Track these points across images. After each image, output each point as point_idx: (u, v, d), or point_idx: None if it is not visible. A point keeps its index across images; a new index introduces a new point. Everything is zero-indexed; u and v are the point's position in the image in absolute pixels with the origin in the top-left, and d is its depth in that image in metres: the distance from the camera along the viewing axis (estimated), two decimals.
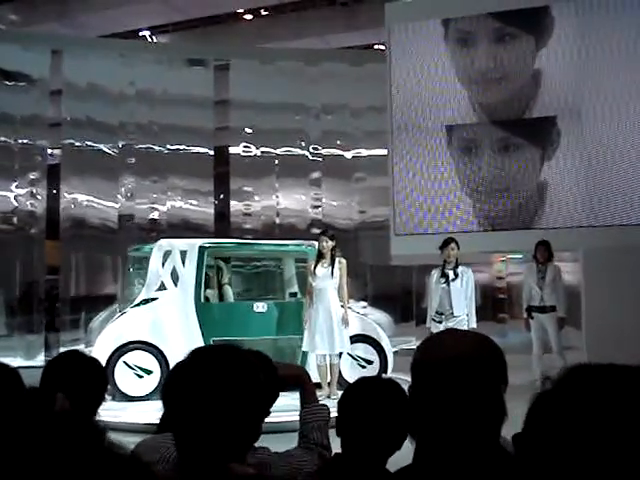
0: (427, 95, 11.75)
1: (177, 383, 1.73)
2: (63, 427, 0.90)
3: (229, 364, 1.73)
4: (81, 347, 11.52)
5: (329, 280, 9.09)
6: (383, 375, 8.93)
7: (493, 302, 13.68)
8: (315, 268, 9.15)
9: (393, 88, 11.99)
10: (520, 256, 12.25)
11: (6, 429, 0.89)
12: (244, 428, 1.71)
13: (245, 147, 14.32)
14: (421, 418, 1.57)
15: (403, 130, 11.87)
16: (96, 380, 2.66)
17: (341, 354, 9.30)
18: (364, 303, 13.72)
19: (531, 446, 1.12)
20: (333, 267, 9.10)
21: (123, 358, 9.22)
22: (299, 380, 2.65)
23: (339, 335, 9.04)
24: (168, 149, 13.92)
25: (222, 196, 14.77)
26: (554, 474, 1.07)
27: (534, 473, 1.11)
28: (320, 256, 9.22)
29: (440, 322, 8.92)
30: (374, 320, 11.11)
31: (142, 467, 0.91)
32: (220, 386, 1.68)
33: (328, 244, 9.14)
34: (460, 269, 9.04)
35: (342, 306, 9.20)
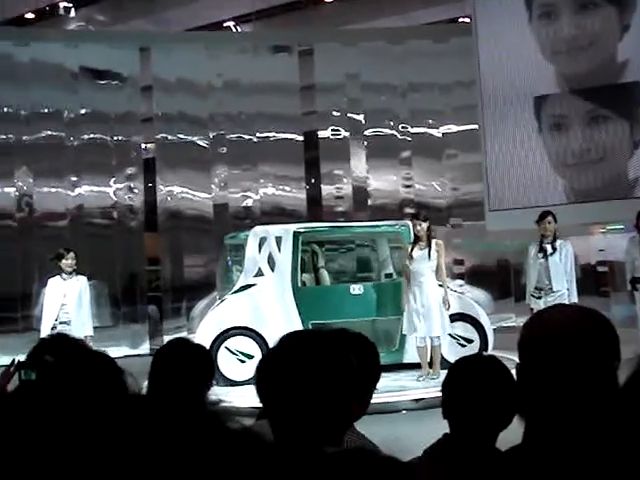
0: (515, 67, 11.48)
1: (268, 370, 1.76)
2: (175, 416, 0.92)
3: (318, 348, 1.74)
4: (184, 334, 11.83)
5: (426, 262, 8.99)
6: (484, 353, 8.85)
7: (594, 275, 13.30)
8: (412, 251, 9.08)
9: (481, 61, 11.76)
10: (621, 227, 11.85)
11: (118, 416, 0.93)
12: (337, 411, 1.72)
13: (334, 130, 14.34)
14: (530, 396, 1.54)
15: (492, 104, 11.65)
16: (204, 366, 2.73)
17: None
18: (461, 281, 13.58)
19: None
20: (430, 249, 9.02)
21: (225, 344, 9.42)
22: None
23: (439, 318, 8.93)
24: (258, 137, 14.08)
25: (313, 181, 14.84)
26: None
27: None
28: (416, 239, 9.14)
29: (539, 298, 8.73)
30: (472, 298, 11.00)
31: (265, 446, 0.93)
32: (310, 370, 1.69)
33: (422, 226, 9.04)
34: (558, 243, 8.82)
35: (441, 286, 9.10)
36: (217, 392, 7.97)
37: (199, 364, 2.70)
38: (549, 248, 8.79)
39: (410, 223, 10.63)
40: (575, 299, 8.63)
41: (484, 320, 9.91)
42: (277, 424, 1.74)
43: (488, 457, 1.97)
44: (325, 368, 1.71)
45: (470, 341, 9.78)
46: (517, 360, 1.59)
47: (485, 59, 11.74)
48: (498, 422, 2.19)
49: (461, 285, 13.21)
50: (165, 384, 2.12)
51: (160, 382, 2.51)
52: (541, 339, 1.55)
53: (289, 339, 1.81)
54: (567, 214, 10.21)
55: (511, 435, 1.93)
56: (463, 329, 9.84)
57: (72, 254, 8.50)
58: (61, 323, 8.27)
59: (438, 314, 8.91)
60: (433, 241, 9.09)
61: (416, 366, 9.02)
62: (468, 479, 1.07)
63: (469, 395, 2.19)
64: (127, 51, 13.68)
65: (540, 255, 8.85)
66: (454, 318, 9.73)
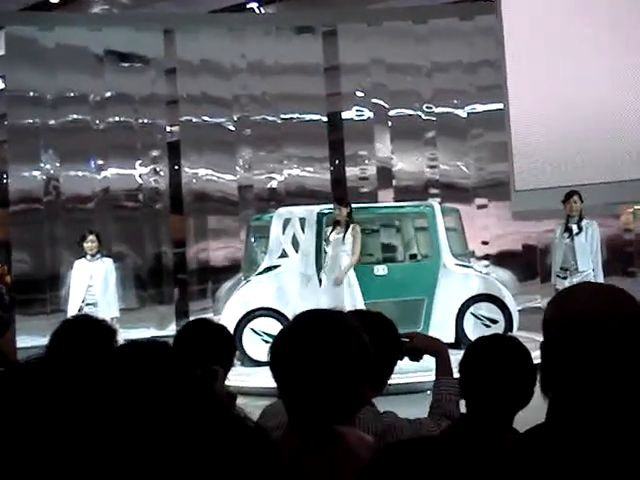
0: (539, 44, 11.33)
1: (280, 349, 1.77)
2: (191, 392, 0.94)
3: (330, 328, 1.75)
4: (209, 316, 11.92)
5: (341, 246, 9.17)
6: (506, 333, 8.82)
7: (621, 255, 13.18)
8: (329, 235, 9.32)
9: (505, 39, 11.63)
10: None
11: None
12: (349, 390, 1.72)
13: (358, 111, 14.28)
14: (554, 375, 1.52)
15: (517, 82, 11.52)
16: (225, 346, 2.75)
17: None
18: (486, 262, 13.52)
19: None
20: (346, 233, 9.18)
21: (250, 325, 9.49)
22: (436, 350, 2.65)
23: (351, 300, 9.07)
24: (282, 118, 14.06)
25: (337, 162, 14.82)
26: None
27: None
28: (335, 223, 9.35)
29: (565, 278, 8.68)
30: (497, 279, 10.96)
31: (264, 436, 0.94)
32: (322, 349, 1.70)
33: (342, 211, 9.22)
34: (584, 222, 8.75)
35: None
36: (242, 372, 8.03)
37: (220, 344, 2.72)
38: (575, 228, 8.73)
39: (434, 204, 10.63)
40: (601, 279, 8.57)
41: (509, 301, 9.88)
42: (289, 403, 1.76)
43: (504, 437, 1.97)
44: (337, 347, 1.71)
45: (495, 322, 9.76)
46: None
47: (510, 37, 11.60)
48: (515, 402, 2.19)
49: (486, 266, 13.15)
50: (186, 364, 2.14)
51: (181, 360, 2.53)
52: (565, 317, 1.52)
53: (302, 318, 1.82)
54: (594, 194, 10.11)
55: (531, 415, 1.93)
56: (488, 310, 9.82)
57: (92, 236, 8.59)
58: (87, 305, 8.37)
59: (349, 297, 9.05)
60: (351, 226, 9.19)
61: None
62: (484, 459, 1.07)
63: (486, 375, 2.18)
64: (151, 33, 13.70)
65: (566, 235, 8.79)
66: (479, 298, 9.72)
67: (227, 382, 2.88)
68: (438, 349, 2.66)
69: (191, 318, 12.45)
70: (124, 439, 0.87)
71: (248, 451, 0.89)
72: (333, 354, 1.70)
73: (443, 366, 2.64)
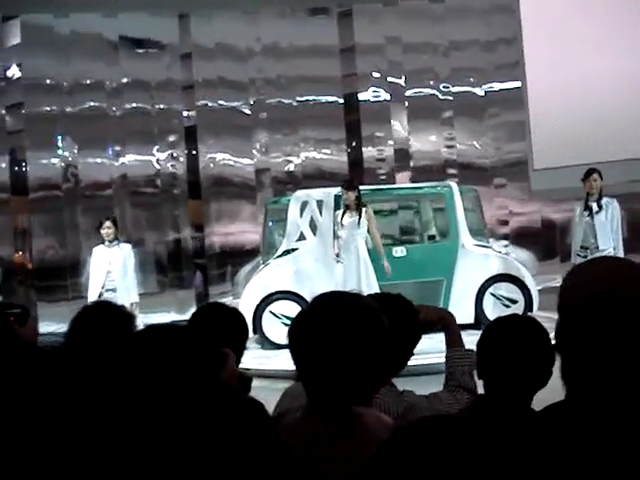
0: (557, 21, 11.20)
1: (299, 331, 1.77)
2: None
3: (348, 310, 1.75)
4: (229, 299, 11.97)
5: (356, 229, 9.17)
6: (526, 313, 8.80)
7: None
8: (342, 219, 9.29)
9: (522, 16, 11.50)
10: None
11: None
12: (366, 372, 1.73)
13: (374, 92, 14.21)
14: (570, 352, 1.49)
15: (535, 60, 11.40)
16: (238, 330, 2.75)
17: None
18: (505, 242, 13.45)
19: None
20: (360, 217, 9.17)
21: (269, 308, 9.53)
22: (443, 322, 2.64)
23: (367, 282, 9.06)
24: (298, 101, 14.03)
25: (354, 143, 14.74)
26: None
27: None
28: (346, 207, 9.30)
29: (585, 257, 8.60)
30: (516, 258, 10.91)
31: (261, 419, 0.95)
32: (340, 332, 1.70)
33: (349, 195, 9.21)
34: (604, 200, 8.67)
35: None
36: (262, 355, 8.07)
37: (233, 328, 2.72)
38: (595, 206, 8.65)
39: (452, 184, 10.59)
40: None
41: (529, 281, 9.84)
42: (308, 385, 1.76)
43: (523, 418, 1.96)
44: (355, 329, 1.71)
45: (514, 302, 9.73)
46: None
47: (527, 14, 11.48)
48: (533, 383, 2.17)
49: (505, 246, 13.09)
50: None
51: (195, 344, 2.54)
52: (580, 291, 1.49)
53: (320, 301, 1.82)
54: (614, 171, 10.01)
55: (549, 396, 1.92)
56: (507, 290, 9.79)
57: (109, 223, 8.63)
58: (107, 290, 8.43)
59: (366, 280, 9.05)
60: (363, 209, 9.15)
61: (462, 327, 9.01)
62: (501, 441, 1.06)
63: (504, 356, 2.17)
64: (166, 18, 13.69)
65: (586, 213, 8.72)
66: (498, 278, 9.69)
67: (247, 365, 2.89)
68: (446, 320, 2.66)
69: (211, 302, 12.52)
70: (132, 419, 0.88)
71: (243, 430, 0.90)
72: (351, 335, 1.70)
73: (453, 337, 2.64)
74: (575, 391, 1.49)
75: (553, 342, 1.78)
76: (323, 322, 1.73)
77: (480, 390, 2.37)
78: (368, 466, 1.00)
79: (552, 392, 1.77)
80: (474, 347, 2.35)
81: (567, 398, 1.51)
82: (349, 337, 1.70)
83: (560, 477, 1.37)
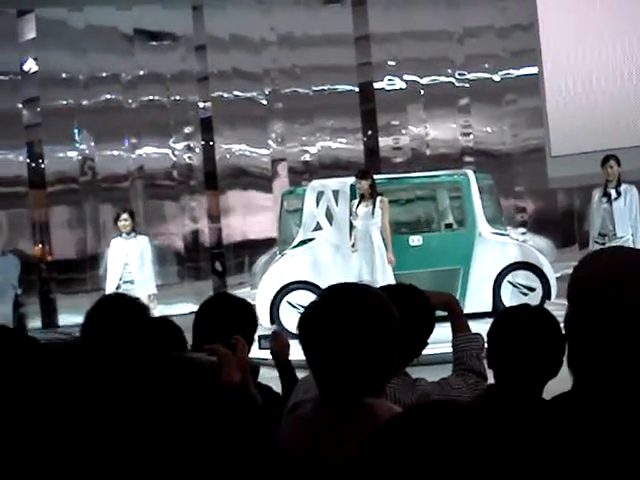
0: (573, 6, 11.10)
1: (309, 322, 1.77)
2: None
3: (359, 301, 1.75)
4: (247, 290, 12.00)
5: (371, 219, 9.10)
6: (544, 301, 8.77)
7: None
8: (357, 208, 9.22)
9: (538, 2, 11.40)
10: None
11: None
12: (377, 363, 1.73)
13: (390, 80, 14.15)
14: (579, 341, 1.48)
15: (551, 46, 11.30)
16: (246, 319, 2.75)
17: None
18: (523, 229, 13.39)
19: None
20: (374, 206, 9.08)
21: (286, 298, 9.54)
22: (448, 306, 2.64)
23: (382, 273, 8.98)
24: (313, 90, 14.00)
25: (370, 132, 14.70)
26: None
27: None
28: (361, 197, 9.23)
29: (603, 244, 8.55)
30: (534, 246, 10.85)
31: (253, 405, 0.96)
32: (350, 322, 1.71)
33: (362, 184, 9.14)
34: (623, 187, 8.60)
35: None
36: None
37: (241, 318, 2.72)
38: (613, 193, 8.59)
39: (469, 172, 10.55)
40: None
41: (547, 268, 9.78)
42: (318, 375, 1.77)
43: (534, 407, 1.95)
44: (364, 319, 1.72)
45: (532, 289, 9.68)
46: None
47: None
48: (544, 373, 2.16)
49: (523, 233, 13.03)
50: (208, 338, 2.15)
51: (203, 336, 2.55)
52: (589, 281, 1.47)
53: (329, 292, 1.82)
54: (632, 158, 9.91)
55: (560, 386, 1.91)
56: (525, 277, 9.74)
57: (125, 215, 8.67)
58: (125, 282, 8.47)
59: (381, 269, 8.98)
60: (378, 198, 9.08)
61: (478, 316, 8.98)
62: (511, 430, 1.05)
63: (514, 345, 2.16)
64: (180, 10, 13.70)
65: (604, 200, 8.66)
66: (516, 266, 9.64)
67: (263, 355, 2.91)
68: (450, 303, 2.66)
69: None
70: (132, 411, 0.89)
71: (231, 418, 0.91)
72: (360, 326, 1.70)
73: (458, 321, 2.64)
74: (581, 381, 1.48)
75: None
76: (332, 313, 1.74)
77: (490, 380, 2.37)
78: (368, 444, 0.99)
79: (562, 382, 1.76)
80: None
81: (573, 387, 1.50)
82: (358, 328, 1.70)
83: (568, 467, 1.37)
